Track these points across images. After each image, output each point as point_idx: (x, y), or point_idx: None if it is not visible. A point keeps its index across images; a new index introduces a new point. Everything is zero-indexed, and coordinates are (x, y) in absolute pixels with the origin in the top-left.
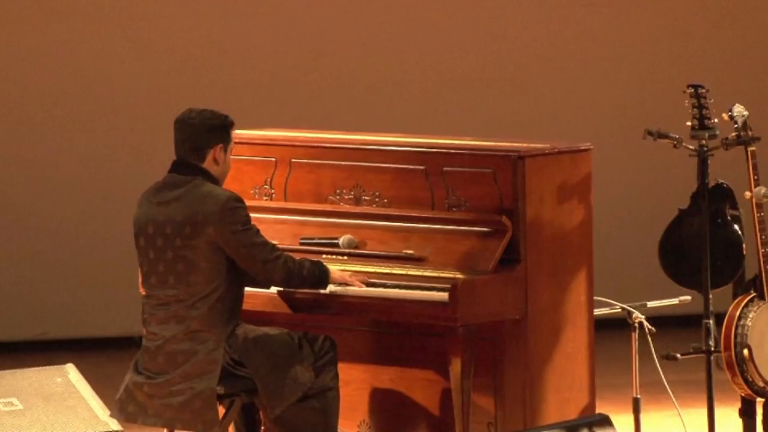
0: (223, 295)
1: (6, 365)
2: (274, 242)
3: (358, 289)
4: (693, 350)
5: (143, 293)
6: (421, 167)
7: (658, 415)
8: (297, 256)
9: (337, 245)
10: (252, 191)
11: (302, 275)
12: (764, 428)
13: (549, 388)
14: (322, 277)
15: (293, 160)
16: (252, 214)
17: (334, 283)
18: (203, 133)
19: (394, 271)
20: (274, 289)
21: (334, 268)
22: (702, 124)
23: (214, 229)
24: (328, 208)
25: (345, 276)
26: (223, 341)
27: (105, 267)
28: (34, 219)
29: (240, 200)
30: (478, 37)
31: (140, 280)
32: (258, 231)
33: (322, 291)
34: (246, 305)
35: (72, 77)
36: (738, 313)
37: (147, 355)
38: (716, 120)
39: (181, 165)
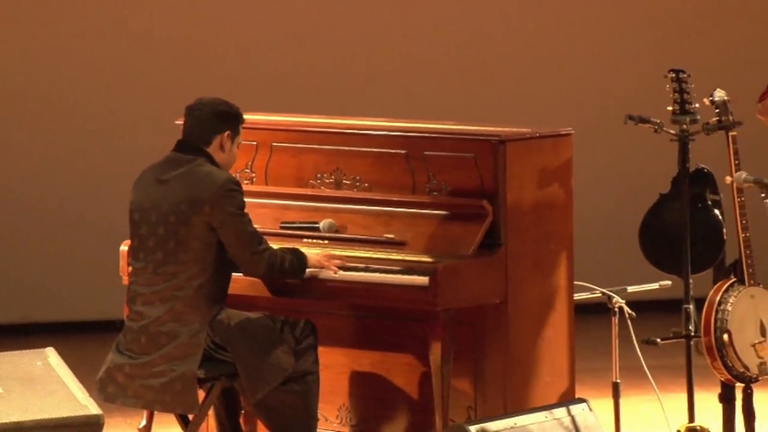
0: (211, 278)
1: None
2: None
3: (342, 273)
4: (673, 335)
5: (129, 271)
6: (402, 151)
7: (638, 399)
8: (278, 240)
9: (317, 229)
10: (233, 175)
11: (284, 268)
12: (744, 413)
13: (529, 372)
14: (301, 266)
15: (274, 144)
16: None
17: (312, 268)
18: (212, 118)
19: (375, 256)
20: None
21: (311, 253)
22: (683, 108)
23: (211, 208)
24: (308, 192)
25: (321, 260)
26: (206, 324)
27: (85, 251)
28: (13, 203)
29: (238, 184)
30: (459, 23)
31: (128, 258)
32: (251, 221)
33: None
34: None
35: (59, 65)
36: (718, 298)
37: (129, 335)
38: (697, 105)
39: (184, 145)
